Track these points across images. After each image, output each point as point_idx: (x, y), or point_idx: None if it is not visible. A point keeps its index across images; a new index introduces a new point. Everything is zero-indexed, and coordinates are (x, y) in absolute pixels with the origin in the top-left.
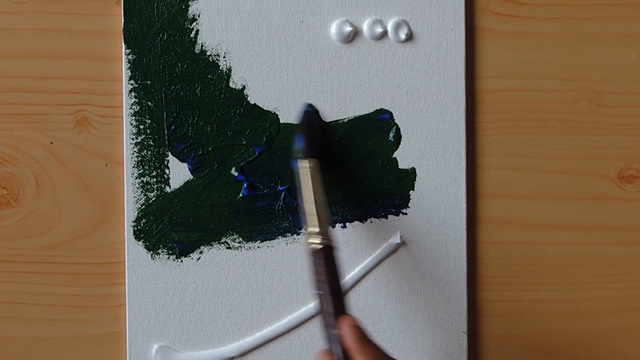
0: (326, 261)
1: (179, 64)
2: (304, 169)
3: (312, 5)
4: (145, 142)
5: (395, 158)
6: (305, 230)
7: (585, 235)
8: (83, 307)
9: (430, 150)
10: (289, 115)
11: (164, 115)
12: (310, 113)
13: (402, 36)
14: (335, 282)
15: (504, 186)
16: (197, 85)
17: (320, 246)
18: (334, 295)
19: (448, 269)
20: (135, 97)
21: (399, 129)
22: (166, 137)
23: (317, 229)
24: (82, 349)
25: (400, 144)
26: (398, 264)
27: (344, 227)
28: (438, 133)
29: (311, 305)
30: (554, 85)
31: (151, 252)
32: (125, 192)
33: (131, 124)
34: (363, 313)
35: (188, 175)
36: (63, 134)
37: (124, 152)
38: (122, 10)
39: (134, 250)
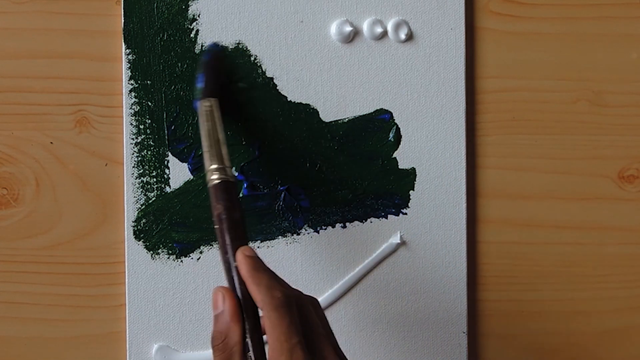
0: (224, 195)
1: (179, 64)
2: (203, 108)
3: (312, 5)
4: (145, 142)
5: (395, 158)
6: (206, 169)
7: (585, 235)
8: (83, 307)
9: (430, 150)
10: (290, 115)
11: (164, 115)
12: (214, 52)
13: (402, 36)
14: (233, 215)
15: (504, 186)
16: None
17: (218, 181)
18: (231, 228)
19: (448, 269)
20: (135, 97)
21: (399, 129)
22: (166, 137)
23: (215, 165)
24: (82, 349)
25: (400, 144)
26: (398, 264)
27: (344, 227)
28: (438, 133)
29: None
30: (554, 85)
31: (151, 252)
32: (125, 192)
33: (131, 124)
34: (363, 313)
35: (188, 175)
36: (63, 134)
37: (124, 152)
38: (122, 10)
39: (134, 250)
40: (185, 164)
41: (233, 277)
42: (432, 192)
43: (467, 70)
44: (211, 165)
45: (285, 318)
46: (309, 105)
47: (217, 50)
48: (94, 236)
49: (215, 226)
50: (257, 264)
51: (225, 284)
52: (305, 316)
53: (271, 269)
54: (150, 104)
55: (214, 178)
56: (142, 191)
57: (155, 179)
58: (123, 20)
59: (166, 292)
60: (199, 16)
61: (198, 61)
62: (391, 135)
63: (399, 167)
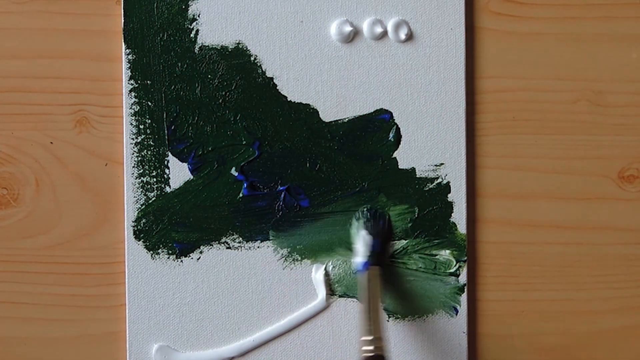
0: None
1: (179, 64)
2: (371, 274)
3: (312, 5)
4: (145, 142)
5: (395, 158)
6: (361, 337)
7: (585, 235)
8: (83, 307)
9: (430, 150)
10: (290, 115)
11: (164, 115)
12: (386, 219)
13: (402, 36)
14: None
15: (504, 186)
16: (197, 85)
17: (372, 354)
18: None
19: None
20: (135, 97)
21: (399, 129)
22: (166, 137)
23: (371, 337)
24: (82, 349)
25: (400, 144)
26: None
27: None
28: (438, 133)
29: (311, 305)
30: (554, 85)
31: (151, 252)
32: (125, 192)
33: (131, 124)
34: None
35: (188, 175)
36: (63, 134)
37: (124, 152)
38: (122, 10)
39: (134, 250)
40: (185, 164)
41: None
42: (432, 192)
43: (467, 70)
44: (368, 336)
45: None
46: (309, 105)
47: (387, 217)
48: (94, 236)
49: None
50: None
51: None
52: None
53: (271, 269)
54: (150, 104)
55: (370, 350)
56: (142, 191)
57: (155, 179)
58: (123, 20)
59: (166, 292)
60: (199, 16)
61: (368, 223)
62: (391, 135)
63: (399, 167)
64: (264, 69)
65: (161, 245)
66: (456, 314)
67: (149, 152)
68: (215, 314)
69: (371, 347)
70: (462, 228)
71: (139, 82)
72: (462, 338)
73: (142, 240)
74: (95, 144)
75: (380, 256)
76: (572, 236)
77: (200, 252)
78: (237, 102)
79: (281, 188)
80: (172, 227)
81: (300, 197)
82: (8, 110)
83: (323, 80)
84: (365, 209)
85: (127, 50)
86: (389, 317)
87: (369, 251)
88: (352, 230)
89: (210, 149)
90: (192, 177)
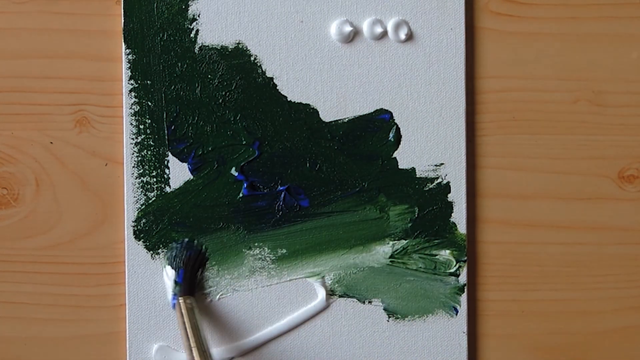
0: None
1: (179, 64)
2: (185, 305)
3: (312, 5)
4: (145, 142)
5: (395, 158)
6: None
7: (585, 235)
8: (83, 307)
9: (430, 150)
10: (290, 115)
11: (164, 115)
12: (195, 250)
13: (402, 36)
14: None
15: (504, 186)
16: (197, 85)
17: None
18: None
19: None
20: (135, 97)
21: (399, 129)
22: (166, 137)
23: None
24: (82, 349)
25: (400, 144)
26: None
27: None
28: (438, 133)
29: (311, 305)
30: (554, 85)
31: (151, 252)
32: (125, 192)
33: (131, 124)
34: (363, 312)
35: (188, 175)
36: (63, 134)
37: (124, 152)
38: (122, 10)
39: (134, 250)
40: (185, 164)
41: None
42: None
43: (467, 70)
44: None
45: None
46: (309, 105)
47: (198, 249)
48: (94, 236)
49: None
50: None
51: None
52: None
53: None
54: (150, 104)
55: None
56: (142, 191)
57: (155, 179)
58: (123, 20)
59: (166, 292)
60: (199, 16)
61: (173, 254)
62: (391, 135)
63: (399, 167)
64: (264, 69)
65: (161, 245)
66: (456, 314)
67: (149, 152)
68: (215, 314)
69: None
70: (462, 228)
71: (139, 82)
72: (462, 338)
73: (142, 240)
74: (95, 144)
75: (187, 286)
76: (572, 236)
77: None
78: (237, 102)
79: (281, 188)
80: (172, 227)
81: (300, 197)
82: (8, 110)
83: (323, 80)
84: (172, 245)
85: (127, 50)
86: (389, 317)
87: (173, 284)
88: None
89: (210, 149)
90: (192, 177)
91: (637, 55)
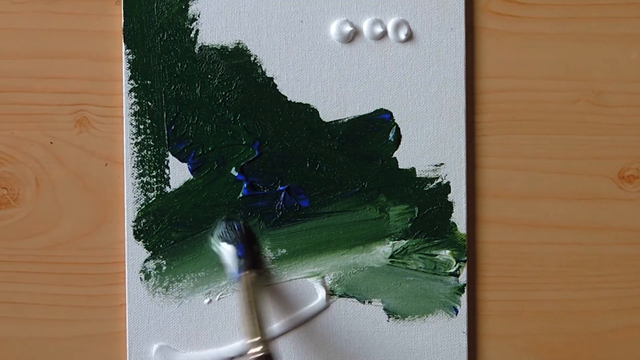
0: None
1: (179, 64)
2: (246, 280)
3: (312, 5)
4: (145, 142)
5: (395, 158)
6: (248, 341)
7: (585, 235)
8: (83, 307)
9: (430, 150)
10: (290, 115)
11: (164, 115)
12: (246, 227)
13: (402, 36)
14: None
15: (504, 186)
16: (197, 85)
17: (259, 355)
18: None
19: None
20: (135, 97)
21: (399, 129)
22: (166, 137)
23: (257, 338)
24: (82, 349)
25: (400, 144)
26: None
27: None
28: (438, 133)
29: (311, 305)
30: (554, 85)
31: (151, 252)
32: (125, 192)
33: (131, 124)
34: (362, 312)
35: (188, 175)
36: (63, 134)
37: (124, 152)
38: (122, 10)
39: (134, 250)
40: (185, 164)
41: None
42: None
43: (467, 70)
44: (254, 337)
45: None
46: (309, 105)
47: (247, 226)
48: (94, 236)
49: None
50: None
51: None
52: None
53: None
54: (150, 104)
55: (257, 352)
56: (142, 191)
57: (155, 179)
58: (123, 20)
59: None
60: (199, 16)
61: (224, 235)
62: (391, 135)
63: (399, 167)
64: (264, 69)
65: (161, 245)
66: (456, 314)
67: (149, 152)
68: (215, 314)
69: (258, 349)
70: (462, 228)
71: (139, 82)
72: (462, 338)
73: (142, 240)
74: (95, 144)
75: (249, 260)
76: (572, 236)
77: None
78: (237, 102)
79: (281, 188)
80: (172, 227)
81: (300, 197)
82: (8, 110)
83: (323, 80)
84: (218, 223)
85: (127, 50)
86: (389, 317)
87: (235, 260)
88: (214, 249)
89: (210, 149)
90: (192, 177)
91: (637, 55)
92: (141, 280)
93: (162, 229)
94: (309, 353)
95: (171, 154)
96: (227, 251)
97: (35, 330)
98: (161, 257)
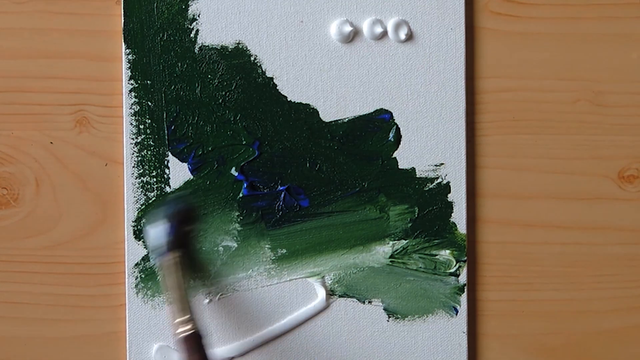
0: (197, 346)
1: (179, 64)
2: (170, 260)
3: (312, 5)
4: (145, 142)
5: (395, 158)
6: (173, 321)
7: (585, 235)
8: (83, 307)
9: (430, 150)
10: (290, 115)
11: (164, 115)
12: (181, 206)
13: (402, 36)
14: None
15: (504, 186)
16: (197, 85)
17: (191, 332)
18: None
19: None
20: (135, 97)
21: (399, 129)
22: (166, 137)
23: (186, 317)
24: (82, 349)
25: (400, 144)
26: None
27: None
28: (438, 133)
29: (311, 305)
30: (554, 85)
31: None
32: (125, 192)
33: (131, 124)
34: (363, 312)
35: (188, 175)
36: (63, 134)
37: (124, 152)
38: (122, 10)
39: (134, 250)
40: (185, 164)
41: None
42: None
43: (467, 70)
44: (181, 316)
45: None
46: (309, 105)
47: (183, 204)
48: (94, 236)
49: None
50: None
51: None
52: None
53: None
54: (150, 104)
55: (187, 329)
56: (142, 191)
57: (155, 179)
58: (123, 20)
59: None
60: (199, 16)
61: (160, 212)
62: (391, 135)
63: (399, 167)
64: (264, 69)
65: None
66: (456, 314)
67: (149, 152)
68: (215, 314)
69: (186, 327)
70: (462, 228)
71: (139, 82)
72: (462, 338)
73: (142, 240)
74: (95, 144)
75: (171, 242)
76: (572, 236)
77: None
78: (237, 102)
79: (281, 188)
80: None
81: (300, 197)
82: (8, 110)
83: (323, 80)
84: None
85: (127, 50)
86: (389, 317)
87: (152, 243)
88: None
89: (210, 149)
90: (192, 177)
91: (637, 55)
92: (141, 280)
93: None
94: (309, 353)
95: (171, 154)
96: (146, 235)
97: (35, 330)
98: None
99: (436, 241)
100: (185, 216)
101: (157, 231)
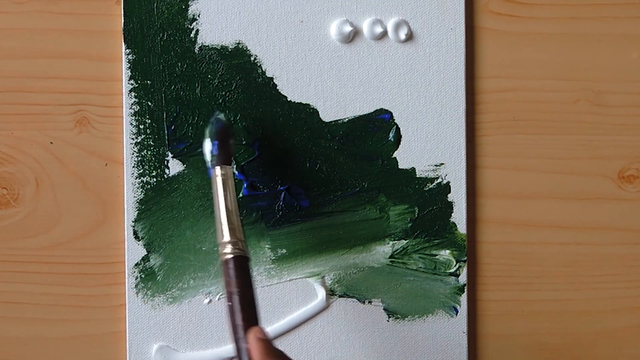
0: (238, 272)
1: (179, 64)
2: (218, 176)
3: (312, 5)
4: (145, 142)
5: (395, 158)
6: (219, 241)
7: (585, 235)
8: (83, 307)
9: (430, 150)
10: (290, 115)
11: (164, 115)
12: (224, 123)
13: (402, 36)
14: (246, 293)
15: (504, 186)
16: (197, 85)
17: (232, 255)
18: (244, 307)
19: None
20: (135, 97)
21: (399, 129)
22: (166, 137)
23: (230, 238)
24: (82, 349)
25: (400, 144)
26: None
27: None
28: (438, 133)
29: (311, 305)
30: (554, 85)
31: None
32: (125, 192)
33: (131, 124)
34: (363, 312)
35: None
36: (63, 134)
37: (124, 152)
38: (122, 10)
39: (134, 250)
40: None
41: (241, 358)
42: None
43: (467, 70)
44: (225, 238)
45: None
46: (309, 105)
47: (226, 122)
48: (94, 236)
49: (228, 303)
50: (269, 348)
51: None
52: None
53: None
54: (150, 104)
55: (228, 252)
56: (142, 191)
57: (155, 179)
58: (123, 20)
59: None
60: (199, 16)
61: (208, 128)
62: (391, 135)
63: (399, 167)
64: (264, 69)
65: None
66: (456, 314)
67: (149, 152)
68: (215, 314)
69: (230, 249)
70: (462, 228)
71: (139, 82)
72: (462, 338)
73: (142, 240)
74: (95, 144)
75: (222, 157)
76: (572, 236)
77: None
78: (237, 102)
79: (281, 188)
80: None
81: (300, 197)
82: (8, 110)
83: (323, 80)
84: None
85: (127, 50)
86: (389, 317)
87: (210, 155)
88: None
89: None
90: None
91: (637, 55)
92: (141, 280)
93: None
94: (309, 353)
95: (171, 154)
96: (205, 147)
97: (35, 330)
98: (161, 257)
99: (436, 241)
100: (225, 133)
101: (204, 147)
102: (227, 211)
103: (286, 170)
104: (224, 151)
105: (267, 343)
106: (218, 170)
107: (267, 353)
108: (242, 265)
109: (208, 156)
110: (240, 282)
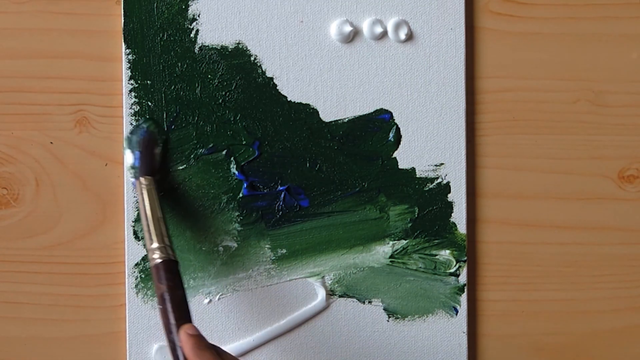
0: (168, 275)
1: (179, 64)
2: (142, 185)
3: (312, 5)
4: None
5: (395, 158)
6: (146, 247)
7: (585, 235)
8: (83, 307)
9: (430, 150)
10: (290, 115)
11: (164, 115)
12: (148, 132)
13: (402, 36)
14: (177, 294)
15: (504, 186)
16: (197, 85)
17: (160, 260)
18: (175, 308)
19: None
20: (135, 97)
21: (399, 129)
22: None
23: (157, 244)
24: (82, 349)
25: (400, 144)
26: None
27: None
28: (438, 133)
29: (311, 305)
30: (554, 85)
31: None
32: (125, 192)
33: (131, 124)
34: (363, 312)
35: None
36: (63, 134)
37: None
38: (122, 10)
39: (134, 250)
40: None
41: (178, 357)
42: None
43: (467, 70)
44: (152, 244)
45: None
46: (309, 105)
47: (151, 130)
48: (94, 236)
49: (159, 306)
50: (200, 342)
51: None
52: None
53: None
54: (150, 104)
55: (156, 257)
56: None
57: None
58: (123, 20)
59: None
60: (199, 16)
61: (130, 139)
62: (391, 135)
63: (399, 167)
64: (264, 69)
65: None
66: (456, 314)
67: None
68: (215, 313)
69: (158, 254)
70: (462, 228)
71: (139, 82)
72: (462, 338)
73: (142, 240)
74: (95, 144)
75: (144, 166)
76: (572, 236)
77: None
78: (237, 102)
79: (281, 188)
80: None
81: (300, 197)
82: (8, 110)
83: (323, 80)
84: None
85: (127, 50)
86: (389, 317)
87: (131, 166)
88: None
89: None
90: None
91: (637, 55)
92: (141, 280)
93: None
94: (309, 353)
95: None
96: (127, 158)
97: (35, 330)
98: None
99: (436, 241)
100: (147, 143)
101: (127, 159)
102: (154, 219)
103: (286, 170)
104: (147, 161)
105: (198, 338)
106: (142, 180)
107: (198, 347)
108: (171, 269)
109: (129, 168)
110: (170, 284)
